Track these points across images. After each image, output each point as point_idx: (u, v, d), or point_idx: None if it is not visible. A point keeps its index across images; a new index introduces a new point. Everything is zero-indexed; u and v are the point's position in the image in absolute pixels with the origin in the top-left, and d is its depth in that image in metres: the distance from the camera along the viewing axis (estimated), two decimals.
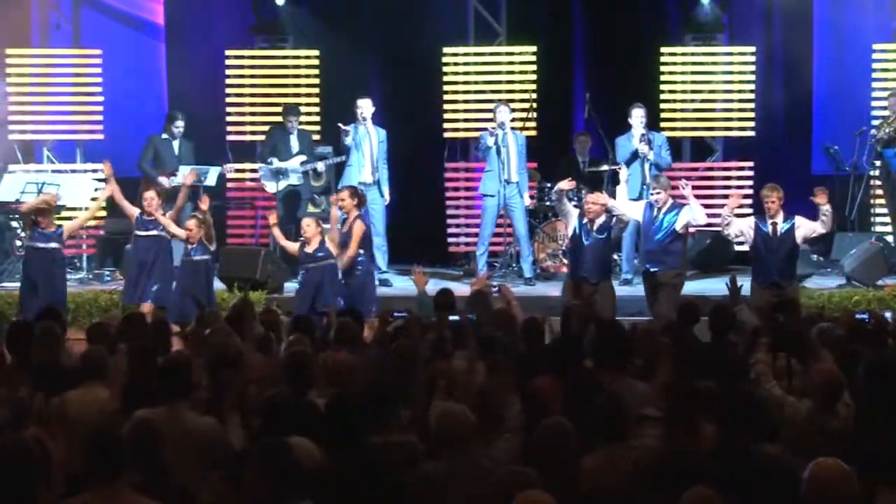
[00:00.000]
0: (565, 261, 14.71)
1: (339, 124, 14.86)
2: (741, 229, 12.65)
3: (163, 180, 15.48)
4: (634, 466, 6.00)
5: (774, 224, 12.34)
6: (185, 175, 14.14)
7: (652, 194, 12.83)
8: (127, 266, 14.24)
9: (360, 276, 12.78)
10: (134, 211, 13.19)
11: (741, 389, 6.82)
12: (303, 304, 12.30)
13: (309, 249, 12.51)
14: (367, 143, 14.91)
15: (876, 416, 6.73)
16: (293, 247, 12.90)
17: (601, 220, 12.48)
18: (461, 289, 12.79)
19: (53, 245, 12.84)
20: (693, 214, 12.65)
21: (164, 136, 15.80)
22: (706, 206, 13.09)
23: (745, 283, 12.69)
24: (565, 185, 12.79)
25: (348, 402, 6.44)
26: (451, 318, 9.45)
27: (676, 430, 6.41)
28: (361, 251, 12.82)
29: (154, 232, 13.08)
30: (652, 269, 12.69)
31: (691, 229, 13.36)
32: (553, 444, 6.00)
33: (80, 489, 5.54)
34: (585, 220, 12.49)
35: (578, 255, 12.60)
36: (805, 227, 12.39)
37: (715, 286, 14.13)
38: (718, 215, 12.97)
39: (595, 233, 12.46)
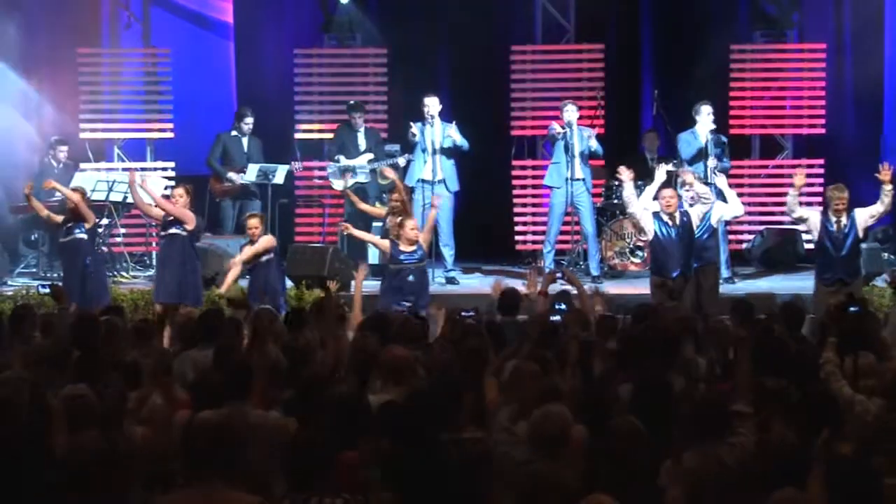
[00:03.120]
0: (633, 259, 14.68)
1: (411, 122, 14.85)
2: (808, 216, 12.62)
3: (232, 177, 15.62)
4: (738, 463, 5.98)
5: (839, 221, 12.31)
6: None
7: (685, 191, 12.76)
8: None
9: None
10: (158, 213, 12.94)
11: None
12: (387, 301, 12.12)
13: (406, 249, 12.39)
14: (432, 141, 14.88)
15: None
16: (384, 244, 12.61)
17: (679, 212, 12.42)
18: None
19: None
20: (727, 210, 12.79)
21: (234, 133, 15.94)
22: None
23: (809, 283, 12.67)
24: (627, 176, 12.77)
25: (420, 400, 6.43)
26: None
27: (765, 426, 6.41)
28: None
29: (171, 230, 12.66)
30: (693, 265, 12.61)
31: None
32: (624, 445, 5.95)
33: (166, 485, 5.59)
34: (665, 217, 12.41)
35: (660, 251, 12.52)
36: (863, 215, 12.40)
37: (782, 284, 14.07)
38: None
39: (678, 226, 12.41)
